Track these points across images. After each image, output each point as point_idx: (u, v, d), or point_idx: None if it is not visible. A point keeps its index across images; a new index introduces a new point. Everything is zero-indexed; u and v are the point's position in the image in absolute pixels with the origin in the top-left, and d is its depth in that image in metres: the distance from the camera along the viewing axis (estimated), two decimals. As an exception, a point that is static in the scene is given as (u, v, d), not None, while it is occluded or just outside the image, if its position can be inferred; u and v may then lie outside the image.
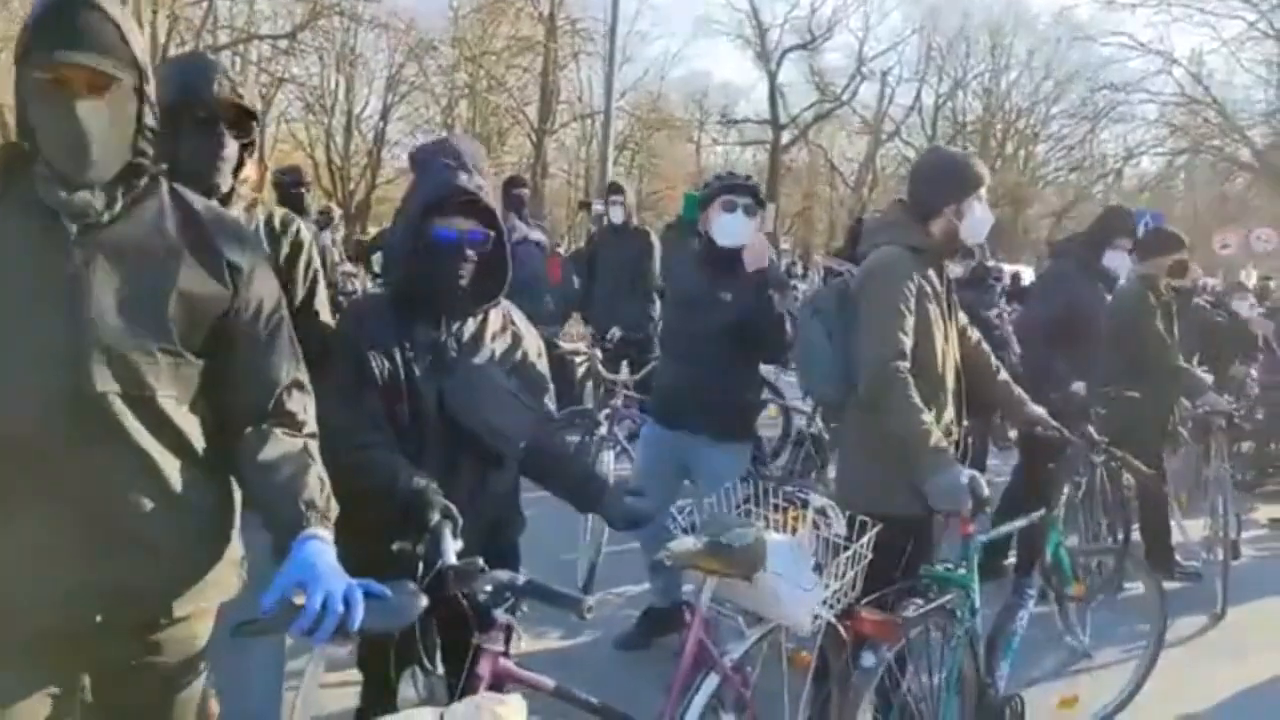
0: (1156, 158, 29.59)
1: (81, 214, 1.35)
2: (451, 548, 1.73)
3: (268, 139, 27.03)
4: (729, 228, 3.28)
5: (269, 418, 1.49)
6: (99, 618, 1.36)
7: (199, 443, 1.45)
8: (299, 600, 1.29)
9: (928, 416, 2.44)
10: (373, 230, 16.49)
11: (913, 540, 2.53)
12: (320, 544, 1.36)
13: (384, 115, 27.99)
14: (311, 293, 2.16)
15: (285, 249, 2.11)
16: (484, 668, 1.76)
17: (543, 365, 2.24)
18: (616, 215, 6.11)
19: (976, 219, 2.64)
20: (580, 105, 27.00)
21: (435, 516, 1.77)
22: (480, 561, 1.72)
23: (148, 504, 1.38)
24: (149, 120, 1.41)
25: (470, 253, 2.04)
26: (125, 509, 1.37)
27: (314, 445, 1.52)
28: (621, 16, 15.50)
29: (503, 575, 1.74)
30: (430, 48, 25.41)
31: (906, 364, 2.46)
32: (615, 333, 5.39)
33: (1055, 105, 31.16)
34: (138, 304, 1.37)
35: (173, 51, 20.31)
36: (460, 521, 1.79)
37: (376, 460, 1.92)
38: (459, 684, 1.76)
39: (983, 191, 2.66)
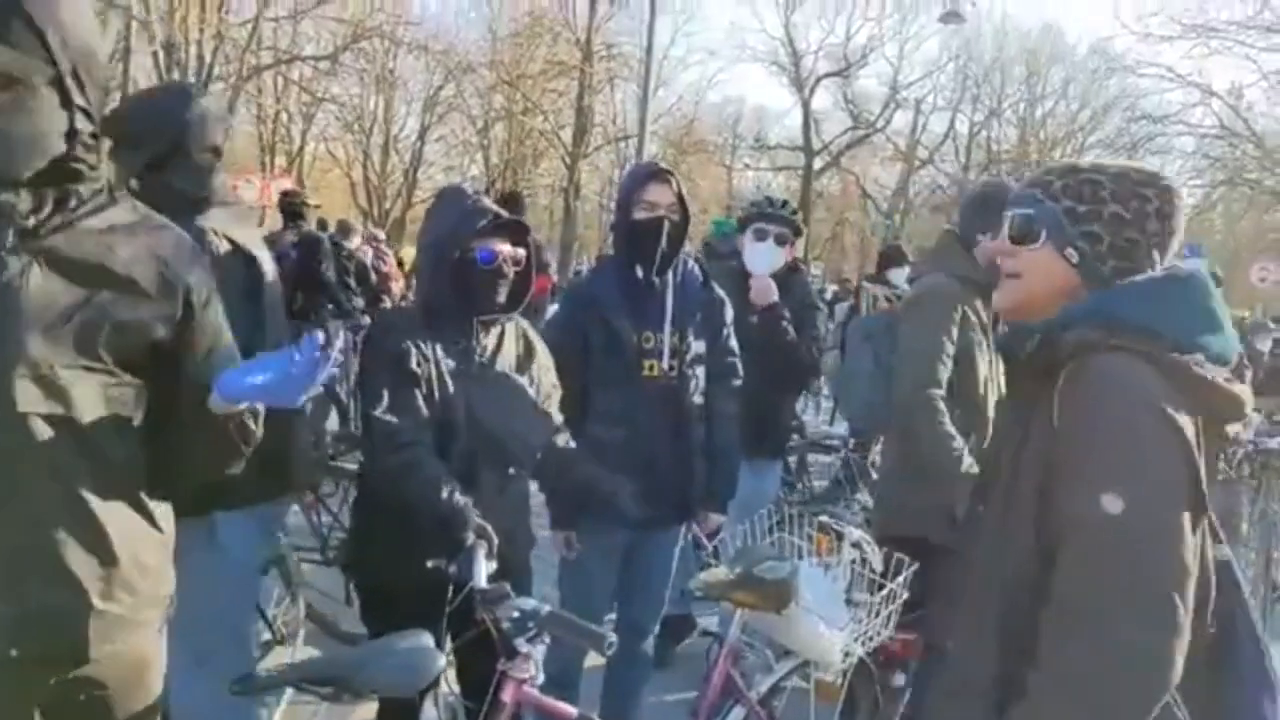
0: (1194, 190, 29.13)
1: (5, 216, 1.26)
2: (484, 570, 1.72)
3: (307, 157, 27.57)
4: (757, 256, 3.37)
5: None
6: (13, 651, 1.27)
7: (127, 467, 1.37)
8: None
9: (959, 443, 2.41)
10: (409, 249, 16.66)
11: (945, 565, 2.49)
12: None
13: (421, 136, 28.43)
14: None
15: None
16: (508, 694, 1.73)
17: (553, 376, 2.27)
18: None
19: None
20: (614, 129, 27.20)
21: (470, 536, 1.76)
22: (507, 586, 1.70)
23: (66, 533, 1.29)
24: (81, 124, 1.29)
25: (508, 271, 2.08)
26: (41, 537, 1.28)
27: None
28: (657, 42, 15.60)
29: (528, 604, 1.71)
30: (468, 70, 25.81)
31: (940, 391, 2.45)
32: None
33: (1091, 135, 30.83)
34: (71, 321, 1.28)
35: (218, 71, 20.78)
36: (495, 542, 1.77)
37: (422, 460, 1.93)
38: (482, 710, 1.73)
39: None
